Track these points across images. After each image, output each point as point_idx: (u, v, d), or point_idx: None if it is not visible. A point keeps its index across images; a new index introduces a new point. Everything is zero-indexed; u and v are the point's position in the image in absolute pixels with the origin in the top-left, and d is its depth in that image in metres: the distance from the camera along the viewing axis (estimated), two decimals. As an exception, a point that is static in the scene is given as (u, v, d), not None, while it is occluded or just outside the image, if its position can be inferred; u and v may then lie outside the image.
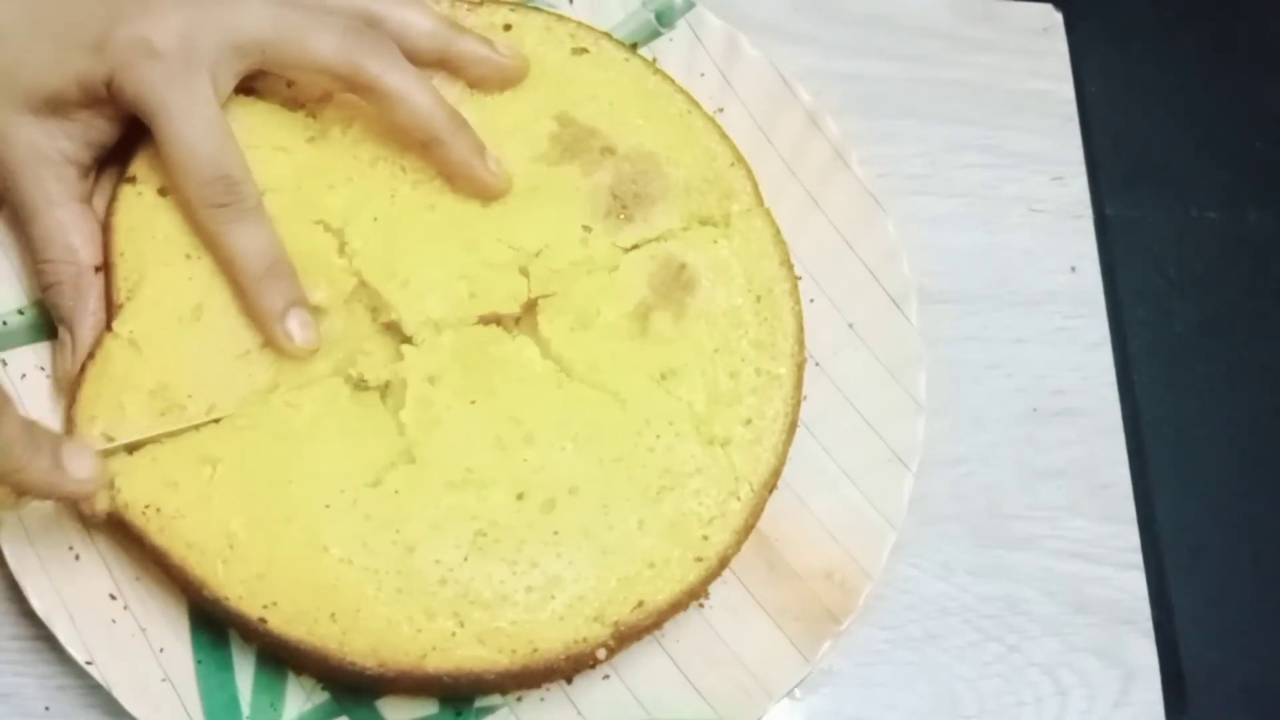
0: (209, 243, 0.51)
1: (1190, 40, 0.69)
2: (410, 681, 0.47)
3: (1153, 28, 0.69)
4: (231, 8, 0.50)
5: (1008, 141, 0.63)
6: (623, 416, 0.51)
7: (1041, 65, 0.65)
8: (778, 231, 0.55)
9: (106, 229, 0.51)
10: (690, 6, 0.60)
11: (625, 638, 0.49)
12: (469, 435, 0.50)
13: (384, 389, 0.50)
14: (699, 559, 0.49)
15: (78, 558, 0.49)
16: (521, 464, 0.50)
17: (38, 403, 0.51)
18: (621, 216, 0.54)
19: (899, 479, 0.54)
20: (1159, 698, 0.55)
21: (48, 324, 0.51)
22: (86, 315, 0.50)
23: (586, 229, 0.53)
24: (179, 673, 0.48)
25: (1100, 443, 0.59)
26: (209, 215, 0.50)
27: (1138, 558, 0.57)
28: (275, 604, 0.47)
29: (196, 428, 0.49)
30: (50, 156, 0.50)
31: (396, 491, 0.49)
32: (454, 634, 0.47)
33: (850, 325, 0.56)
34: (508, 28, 0.56)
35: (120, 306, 0.50)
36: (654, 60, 0.58)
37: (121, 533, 0.49)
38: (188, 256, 0.51)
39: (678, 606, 0.49)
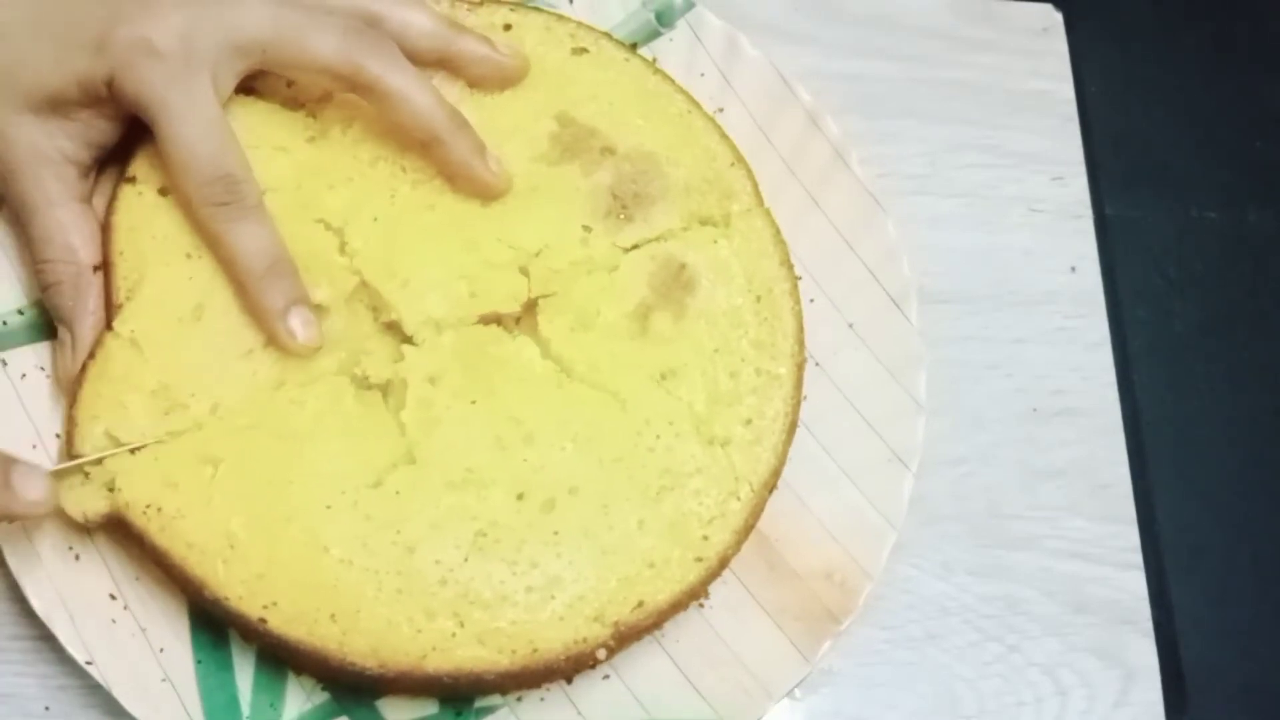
0: (210, 242, 0.51)
1: (1190, 40, 0.69)
2: (410, 682, 0.47)
3: (1153, 28, 0.69)
4: (232, 8, 0.50)
5: (1008, 141, 0.63)
6: (623, 416, 0.51)
7: (1041, 65, 0.65)
8: (778, 231, 0.55)
9: (106, 229, 0.51)
10: (690, 6, 0.60)
11: (625, 638, 0.49)
12: (469, 435, 0.50)
13: (385, 388, 0.50)
14: (699, 559, 0.49)
15: (78, 558, 0.49)
16: (521, 464, 0.50)
17: (38, 403, 0.51)
18: (621, 216, 0.54)
19: (899, 479, 0.54)
20: (1159, 698, 0.55)
21: (48, 324, 0.51)
22: (86, 315, 0.50)
23: (586, 229, 0.53)
24: (179, 673, 0.48)
25: (1100, 443, 0.59)
26: (210, 214, 0.50)
27: (1138, 558, 0.57)
28: (275, 604, 0.47)
29: (199, 427, 0.49)
30: (50, 156, 0.50)
31: (397, 492, 0.49)
32: (454, 634, 0.47)
33: (850, 325, 0.56)
34: (508, 28, 0.57)
35: (120, 306, 0.50)
36: (654, 60, 0.58)
37: (122, 532, 0.49)
38: (188, 256, 0.51)
39: (678, 606, 0.50)
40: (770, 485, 0.52)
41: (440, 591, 0.48)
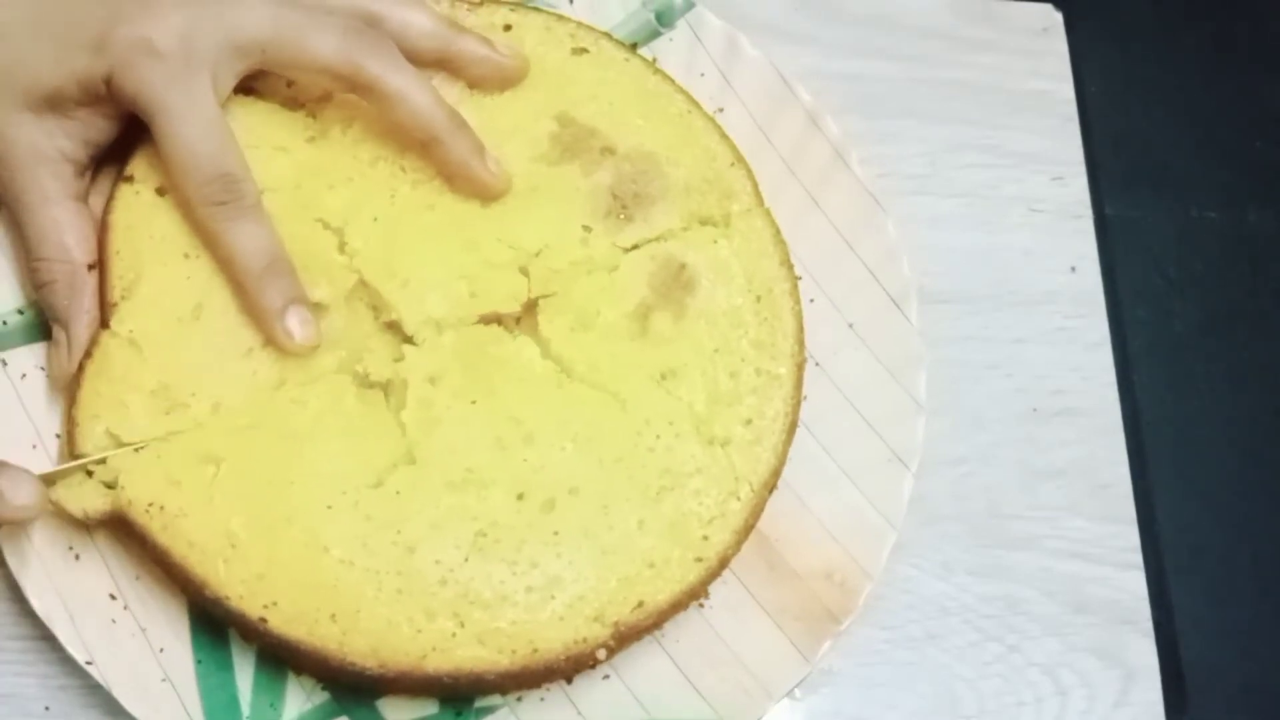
0: (208, 241, 0.51)
1: (1190, 40, 0.69)
2: (410, 682, 0.47)
3: (1153, 28, 0.69)
4: (231, 8, 0.50)
5: (1008, 141, 0.63)
6: (623, 417, 0.51)
7: (1041, 65, 0.65)
8: (778, 231, 0.55)
9: (103, 228, 0.51)
10: (690, 6, 0.60)
11: (625, 638, 0.49)
12: (469, 435, 0.50)
13: (386, 388, 0.50)
14: (699, 559, 0.49)
15: (78, 558, 0.49)
16: (521, 464, 0.50)
17: (38, 403, 0.51)
18: (621, 216, 0.54)
19: (899, 479, 0.54)
20: (1159, 698, 0.55)
21: (47, 324, 0.51)
22: (81, 314, 0.50)
23: (586, 229, 0.53)
24: (179, 673, 0.48)
25: (1100, 443, 0.59)
26: (208, 214, 0.50)
27: (1138, 558, 0.57)
28: (276, 604, 0.47)
29: (200, 426, 0.49)
30: (48, 154, 0.50)
31: (397, 492, 0.49)
32: (454, 634, 0.47)
33: (850, 325, 0.56)
34: (508, 28, 0.57)
35: (115, 305, 0.50)
36: (654, 60, 0.58)
37: (123, 531, 0.49)
38: (186, 256, 0.51)
39: (678, 606, 0.49)
40: (770, 485, 0.52)
41: (440, 591, 0.48)
